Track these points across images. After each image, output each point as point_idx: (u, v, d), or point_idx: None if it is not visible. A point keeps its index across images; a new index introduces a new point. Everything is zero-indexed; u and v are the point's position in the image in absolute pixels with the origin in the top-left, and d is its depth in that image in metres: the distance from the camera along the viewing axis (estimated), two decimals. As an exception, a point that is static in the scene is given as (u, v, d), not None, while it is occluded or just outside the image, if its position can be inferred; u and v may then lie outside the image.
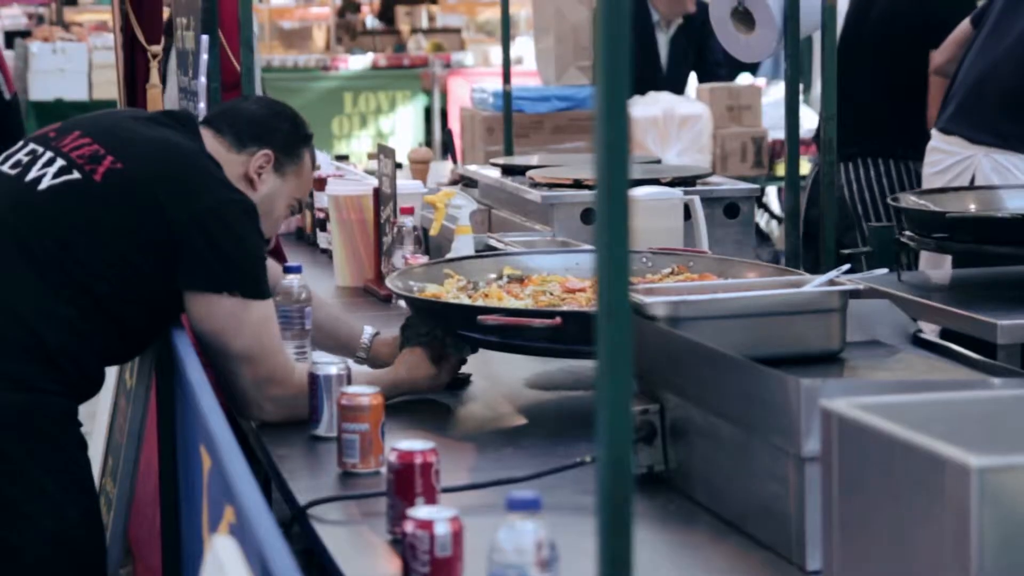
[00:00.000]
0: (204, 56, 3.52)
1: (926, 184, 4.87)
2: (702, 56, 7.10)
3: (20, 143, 3.03)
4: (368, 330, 3.20)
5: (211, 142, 3.02)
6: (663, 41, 7.02)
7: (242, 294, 2.83)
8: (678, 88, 7.04)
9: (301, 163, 3.10)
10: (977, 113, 4.68)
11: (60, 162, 2.90)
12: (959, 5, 5.27)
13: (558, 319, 2.74)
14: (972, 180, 4.67)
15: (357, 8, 15.97)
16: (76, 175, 2.88)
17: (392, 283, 3.05)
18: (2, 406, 2.79)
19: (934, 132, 4.87)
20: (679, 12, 6.93)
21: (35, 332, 2.81)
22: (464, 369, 3.08)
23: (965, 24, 5.01)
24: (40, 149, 2.95)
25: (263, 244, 2.97)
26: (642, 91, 6.66)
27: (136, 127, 3.00)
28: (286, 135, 3.08)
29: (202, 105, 3.52)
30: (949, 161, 4.75)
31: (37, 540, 2.80)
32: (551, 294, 3.05)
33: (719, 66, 7.12)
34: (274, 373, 2.83)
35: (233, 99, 3.28)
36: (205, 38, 3.52)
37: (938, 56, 5.10)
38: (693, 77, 7.25)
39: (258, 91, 3.83)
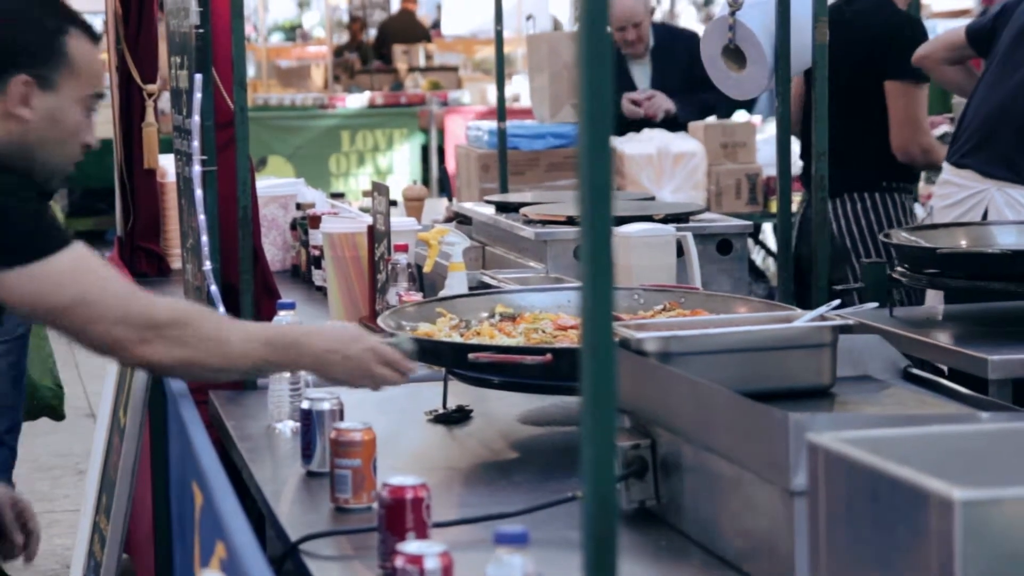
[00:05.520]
0: (198, 95, 3.53)
1: (937, 218, 4.89)
2: (690, 79, 7.10)
3: None
4: None
5: None
6: (641, 73, 7.03)
7: (31, 259, 2.55)
8: (671, 120, 7.03)
9: (68, 59, 2.67)
10: (991, 147, 4.71)
11: None
12: (915, 32, 5.33)
13: (548, 356, 2.76)
14: (985, 214, 4.69)
15: (355, 47, 16.04)
16: None
17: (384, 322, 3.06)
18: None
19: (946, 165, 4.90)
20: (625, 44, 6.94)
21: None
22: (460, 404, 3.10)
23: (959, 31, 5.05)
24: None
25: (21, 200, 2.63)
26: (637, 128, 6.67)
27: None
28: (34, 44, 2.65)
29: (196, 143, 3.53)
30: (961, 195, 4.77)
31: None
32: (543, 331, 3.06)
33: (703, 82, 7.13)
34: (125, 306, 2.58)
35: None
36: (199, 77, 3.53)
37: (921, 50, 5.14)
38: None
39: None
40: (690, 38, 7.48)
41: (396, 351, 2.72)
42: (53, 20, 2.68)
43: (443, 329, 3.09)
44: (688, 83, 7.02)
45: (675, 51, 7.03)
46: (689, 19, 14.36)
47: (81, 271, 2.58)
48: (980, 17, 5.25)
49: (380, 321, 3.09)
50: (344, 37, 17.52)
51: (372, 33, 16.53)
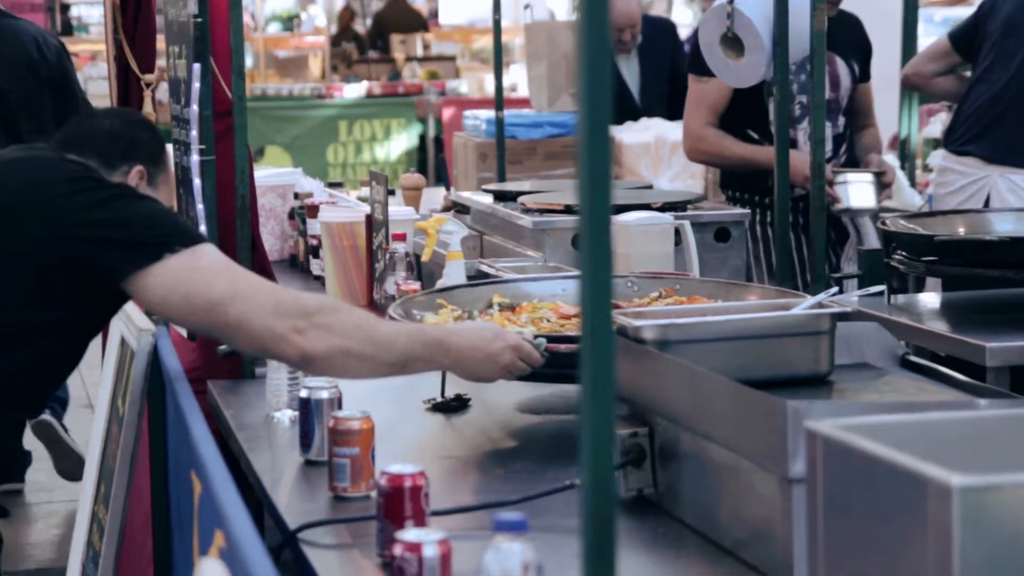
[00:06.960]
0: (196, 84, 3.53)
1: (938, 205, 4.90)
2: (673, 69, 7.08)
3: None
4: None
5: None
6: (630, 68, 7.02)
7: (183, 246, 2.71)
8: (658, 111, 7.01)
9: (166, 168, 3.11)
10: (994, 133, 4.73)
11: None
12: None
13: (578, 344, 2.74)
14: (987, 200, 4.70)
15: (352, 36, 16.02)
16: None
17: (395, 311, 3.04)
18: None
19: (945, 153, 4.90)
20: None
21: None
22: (458, 393, 3.10)
23: (941, 40, 5.08)
24: None
25: (164, 207, 2.90)
26: (619, 121, 6.63)
27: None
28: (150, 144, 3.06)
29: (194, 133, 3.53)
30: (963, 181, 4.78)
31: None
32: (548, 320, 3.06)
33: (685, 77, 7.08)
34: (274, 296, 2.69)
35: (79, 118, 3.20)
36: (197, 66, 3.53)
37: (908, 68, 5.16)
38: None
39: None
40: (667, 26, 7.50)
41: (534, 349, 2.75)
42: (160, 136, 3.16)
43: (447, 320, 3.09)
44: (672, 74, 7.03)
45: (658, 42, 7.05)
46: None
47: (227, 266, 2.74)
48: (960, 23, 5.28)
49: (390, 312, 3.08)
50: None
51: (368, 23, 16.49)
